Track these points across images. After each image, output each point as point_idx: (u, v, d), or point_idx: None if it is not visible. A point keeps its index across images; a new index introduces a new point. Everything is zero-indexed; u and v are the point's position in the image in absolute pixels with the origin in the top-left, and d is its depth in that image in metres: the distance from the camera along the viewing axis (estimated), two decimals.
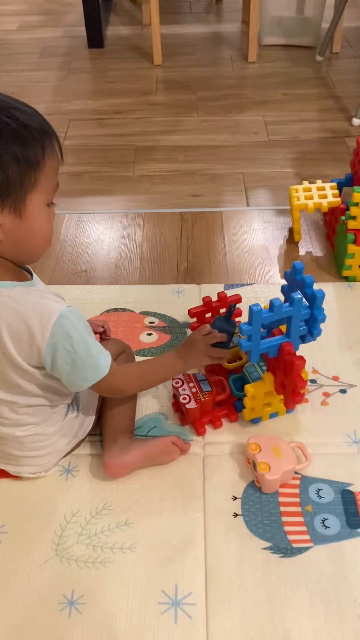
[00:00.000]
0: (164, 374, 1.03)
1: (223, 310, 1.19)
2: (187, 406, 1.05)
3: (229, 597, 0.88)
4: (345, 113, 2.13)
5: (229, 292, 1.33)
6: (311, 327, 0.97)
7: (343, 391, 1.16)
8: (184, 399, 1.06)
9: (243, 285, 1.41)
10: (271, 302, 0.91)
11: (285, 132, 2.03)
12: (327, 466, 1.03)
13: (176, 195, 1.76)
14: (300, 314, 0.94)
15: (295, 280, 0.98)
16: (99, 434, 1.07)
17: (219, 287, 1.40)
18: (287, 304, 0.93)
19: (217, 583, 0.89)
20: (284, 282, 1.41)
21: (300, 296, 0.92)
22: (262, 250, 1.53)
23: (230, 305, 1.07)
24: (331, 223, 1.52)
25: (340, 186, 1.56)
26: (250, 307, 0.90)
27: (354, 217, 1.34)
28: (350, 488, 1.00)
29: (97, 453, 1.06)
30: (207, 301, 1.18)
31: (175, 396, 1.12)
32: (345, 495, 0.99)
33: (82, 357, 0.85)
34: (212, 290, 1.38)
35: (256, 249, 1.54)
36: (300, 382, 0.95)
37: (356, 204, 1.32)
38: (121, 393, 0.99)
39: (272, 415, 1.11)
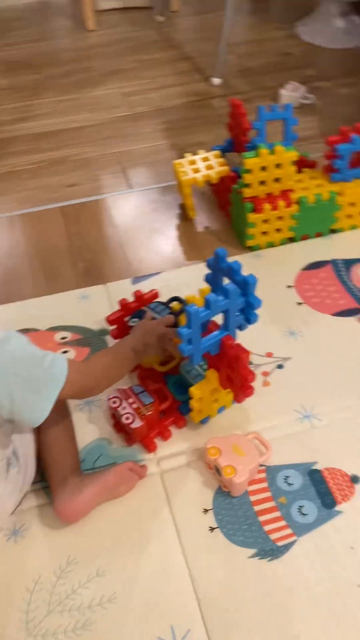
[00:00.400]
0: (123, 368, 0.97)
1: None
2: (133, 426, 0.96)
3: (229, 620, 0.81)
4: (202, 73, 2.06)
5: (138, 285, 1.23)
6: (248, 315, 0.91)
7: (280, 366, 1.13)
8: (127, 418, 0.96)
9: (151, 275, 1.32)
10: (207, 300, 0.83)
11: (147, 103, 1.93)
12: (287, 450, 0.99)
13: (50, 188, 1.60)
14: (236, 304, 0.87)
15: (220, 267, 0.90)
16: (39, 480, 0.94)
17: (127, 283, 1.30)
18: (220, 296, 0.86)
19: (213, 610, 0.82)
20: (191, 264, 1.35)
21: (235, 287, 0.84)
22: (158, 233, 1.44)
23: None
24: (222, 193, 1.47)
25: (222, 152, 1.50)
26: (186, 310, 0.82)
27: (248, 185, 1.29)
28: (315, 467, 0.97)
29: (44, 502, 0.93)
30: (124, 304, 1.08)
31: (115, 416, 1.02)
32: (313, 475, 0.96)
33: (37, 375, 0.78)
34: (121, 288, 1.28)
35: (153, 233, 1.44)
36: (250, 375, 0.89)
37: (248, 171, 1.27)
38: (92, 391, 0.90)
39: (220, 410, 1.04)
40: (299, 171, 1.42)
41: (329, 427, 1.03)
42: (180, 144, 1.74)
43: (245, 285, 0.87)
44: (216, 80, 1.99)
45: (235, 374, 0.91)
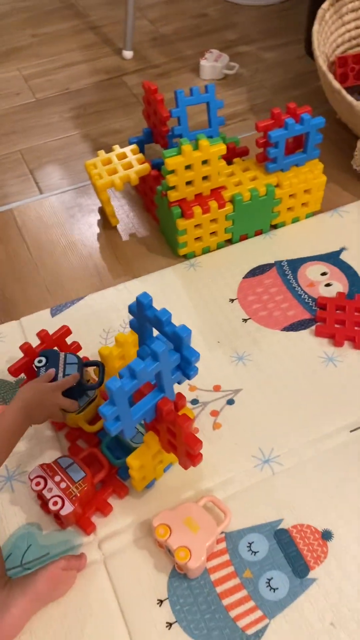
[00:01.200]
0: (11, 440, 0.77)
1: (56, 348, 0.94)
2: (62, 512, 0.80)
3: None
4: (112, 45, 1.83)
5: (60, 317, 1.06)
6: (186, 370, 0.75)
7: (230, 402, 0.98)
8: (55, 504, 0.80)
9: (73, 302, 1.14)
10: (131, 369, 0.66)
11: (53, 86, 1.69)
12: (248, 508, 0.86)
13: None
14: (169, 364, 0.71)
15: (146, 316, 0.74)
16: None
17: (46, 315, 1.11)
18: (148, 358, 0.69)
19: None
20: (118, 282, 1.17)
21: (164, 347, 0.68)
22: (79, 248, 1.25)
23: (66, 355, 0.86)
24: (146, 192, 1.28)
25: (140, 145, 1.31)
26: (107, 387, 0.65)
27: (173, 188, 1.11)
28: (282, 525, 0.84)
29: None
30: (26, 348, 0.91)
31: (40, 496, 0.86)
32: (280, 537, 0.83)
33: None
34: (38, 323, 1.09)
35: (71, 248, 1.25)
36: (195, 444, 0.74)
37: (171, 172, 1.09)
38: None
39: (166, 469, 0.90)
40: (230, 162, 1.25)
41: (292, 471, 0.90)
42: (94, 133, 1.52)
43: (179, 340, 0.71)
44: (128, 54, 1.76)
45: (179, 442, 0.76)
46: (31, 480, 0.83)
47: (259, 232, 1.24)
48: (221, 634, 0.76)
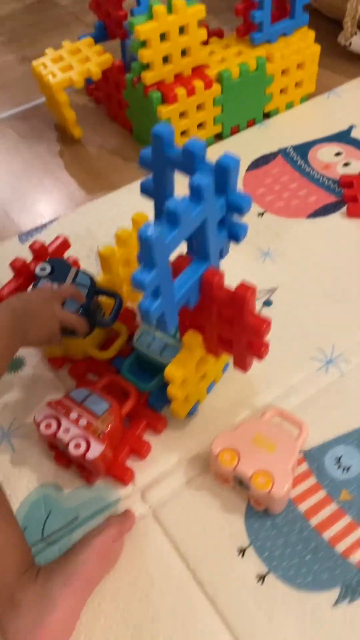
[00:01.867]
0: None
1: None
2: (90, 456, 0.58)
3: None
4: None
5: (29, 243, 0.84)
6: (234, 228, 0.55)
7: (268, 303, 0.78)
8: (77, 447, 0.58)
9: (43, 227, 0.91)
10: (171, 210, 0.45)
11: None
12: (322, 418, 0.66)
13: None
14: (215, 211, 0.51)
15: (167, 158, 0.53)
16: None
17: (14, 243, 0.89)
18: (180, 202, 0.48)
19: None
20: (94, 198, 0.96)
21: (207, 180, 0.47)
22: (41, 169, 1.03)
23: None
24: (110, 95, 1.07)
25: (96, 42, 1.09)
26: (140, 235, 0.44)
27: (147, 66, 0.91)
28: None
29: None
30: (19, 266, 0.69)
31: (54, 445, 0.64)
32: None
33: None
34: (6, 252, 0.87)
35: (33, 171, 1.02)
36: (262, 323, 0.54)
37: (144, 44, 0.88)
38: None
39: (209, 390, 0.69)
40: (205, 43, 1.05)
41: None
42: (31, 54, 1.29)
43: (224, 173, 0.50)
44: None
45: (238, 328, 0.55)
46: (38, 423, 0.60)
47: (251, 123, 1.05)
48: (332, 576, 0.56)
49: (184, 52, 0.93)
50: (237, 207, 0.52)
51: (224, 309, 0.55)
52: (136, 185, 0.60)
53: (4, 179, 1.02)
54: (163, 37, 0.89)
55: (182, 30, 0.90)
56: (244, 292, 0.52)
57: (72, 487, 0.63)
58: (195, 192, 0.47)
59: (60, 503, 0.62)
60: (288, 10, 1.01)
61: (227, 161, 0.50)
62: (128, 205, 0.84)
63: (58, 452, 0.64)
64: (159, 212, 0.59)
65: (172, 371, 0.59)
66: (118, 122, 1.09)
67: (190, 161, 0.51)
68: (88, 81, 1.14)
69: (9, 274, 0.70)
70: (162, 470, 0.64)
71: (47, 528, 0.60)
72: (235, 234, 0.55)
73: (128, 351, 0.70)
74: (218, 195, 0.51)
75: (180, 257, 0.55)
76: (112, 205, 0.93)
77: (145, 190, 0.58)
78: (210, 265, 0.54)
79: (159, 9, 0.86)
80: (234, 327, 0.56)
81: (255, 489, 0.57)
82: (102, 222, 0.90)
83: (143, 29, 0.86)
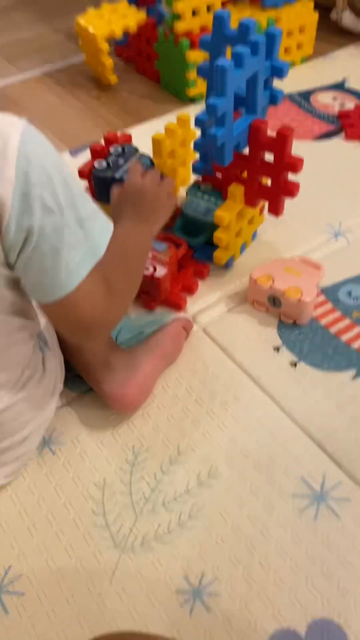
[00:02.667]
0: (141, 255, 0.60)
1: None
2: (157, 275, 0.73)
3: None
4: None
5: (81, 156, 0.97)
6: (273, 91, 0.72)
7: None
8: (146, 269, 0.74)
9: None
10: (237, 54, 0.62)
11: None
12: (334, 268, 0.83)
13: None
14: (264, 66, 0.68)
15: (224, 36, 0.70)
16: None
17: (65, 156, 1.05)
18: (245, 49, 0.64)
19: (341, 446, 0.64)
20: (134, 127, 1.12)
21: (262, 38, 0.65)
22: (80, 107, 1.20)
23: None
24: (140, 50, 1.25)
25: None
26: (217, 65, 0.60)
27: (178, 17, 1.09)
28: None
29: (76, 395, 0.68)
30: (97, 148, 0.85)
31: None
32: None
33: (71, 223, 0.46)
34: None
35: (71, 109, 1.19)
36: (298, 161, 0.71)
37: None
38: (108, 328, 0.57)
39: (242, 250, 0.85)
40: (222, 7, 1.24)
41: None
42: (63, 26, 1.48)
43: (270, 41, 0.67)
44: None
45: (278, 166, 0.71)
46: None
47: None
48: (350, 362, 0.71)
49: (208, 9, 1.12)
50: (279, 69, 0.69)
51: (269, 149, 0.71)
52: (165, 118, 0.76)
53: (57, 119, 1.18)
54: None
55: None
56: (285, 132, 0.68)
57: (137, 313, 0.78)
58: (254, 47, 0.64)
59: (128, 323, 0.76)
60: None
61: (273, 30, 0.67)
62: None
63: None
64: (211, 90, 0.76)
65: (221, 214, 0.75)
66: (147, 75, 1.27)
67: (244, 34, 0.68)
68: (118, 43, 1.33)
69: None
70: (208, 303, 0.79)
71: (120, 338, 0.74)
72: (274, 97, 0.72)
73: (172, 223, 0.85)
74: (266, 58, 0.68)
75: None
76: (145, 132, 1.10)
77: (201, 71, 0.75)
78: (257, 116, 0.71)
79: None
80: (273, 167, 0.72)
81: (288, 298, 0.73)
82: (137, 144, 1.06)
83: None
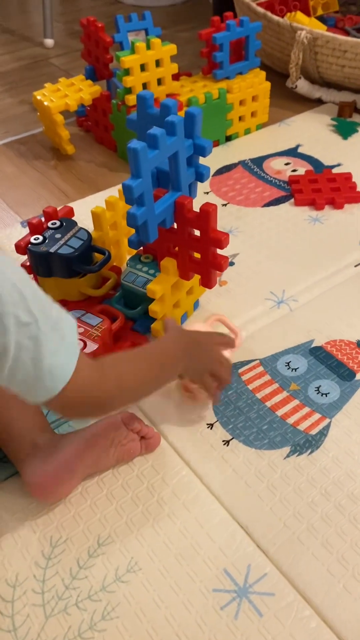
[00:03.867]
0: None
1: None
2: (87, 352, 0.72)
3: (293, 538, 0.61)
4: (32, 40, 1.87)
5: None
6: (198, 169, 0.72)
7: (230, 264, 0.95)
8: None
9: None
10: (151, 135, 0.63)
11: None
12: (276, 337, 0.82)
13: None
14: (184, 146, 0.68)
15: (149, 115, 0.71)
16: None
17: (16, 228, 1.05)
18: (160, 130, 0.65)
19: (270, 533, 0.61)
20: (87, 197, 1.13)
21: (179, 118, 0.66)
22: (36, 175, 1.21)
23: None
24: (97, 121, 1.28)
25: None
26: (130, 147, 0.61)
27: (129, 91, 1.12)
28: (314, 344, 0.81)
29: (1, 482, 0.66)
30: (35, 223, 0.85)
31: None
32: (316, 353, 0.79)
33: (47, 331, 0.48)
34: (10, 236, 1.03)
35: (28, 177, 1.21)
36: (222, 235, 0.70)
37: (127, 72, 1.10)
38: (101, 407, 0.57)
39: (182, 320, 0.84)
40: (177, 79, 1.28)
41: (309, 305, 0.87)
42: (29, 99, 1.52)
43: (191, 121, 0.68)
44: (49, 42, 1.81)
45: (204, 241, 0.71)
46: None
47: (215, 144, 1.27)
48: (284, 439, 0.69)
49: (159, 82, 1.15)
50: (200, 148, 0.70)
51: (193, 225, 0.71)
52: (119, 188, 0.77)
53: (13, 189, 1.20)
54: (143, 67, 1.11)
55: (158, 63, 1.12)
56: (208, 208, 0.68)
57: None
58: (170, 127, 0.65)
59: None
60: (243, 56, 1.26)
61: (193, 110, 0.68)
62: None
63: None
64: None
65: (153, 287, 0.74)
66: (105, 144, 1.29)
67: (166, 113, 0.69)
68: (79, 113, 1.36)
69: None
70: None
71: (50, 419, 0.72)
72: (200, 174, 0.73)
73: (111, 294, 0.85)
74: (186, 138, 0.69)
75: (157, 190, 0.72)
76: (100, 201, 1.11)
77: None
78: (181, 193, 0.71)
79: (140, 45, 1.09)
80: (200, 242, 0.72)
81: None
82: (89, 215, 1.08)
83: (127, 59, 1.08)
